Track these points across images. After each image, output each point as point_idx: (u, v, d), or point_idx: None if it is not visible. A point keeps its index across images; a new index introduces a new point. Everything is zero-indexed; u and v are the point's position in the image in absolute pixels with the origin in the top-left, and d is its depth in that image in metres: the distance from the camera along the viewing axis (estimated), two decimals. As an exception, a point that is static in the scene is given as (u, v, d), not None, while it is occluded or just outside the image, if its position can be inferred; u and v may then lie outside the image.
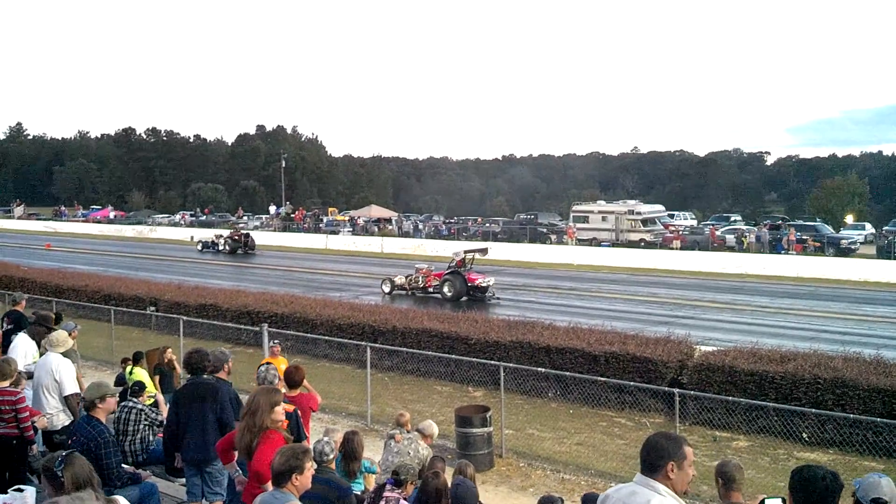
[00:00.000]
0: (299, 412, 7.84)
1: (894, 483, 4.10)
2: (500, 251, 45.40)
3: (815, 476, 3.54)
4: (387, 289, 30.06)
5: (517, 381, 14.88)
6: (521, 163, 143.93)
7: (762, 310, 26.17)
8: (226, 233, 52.97)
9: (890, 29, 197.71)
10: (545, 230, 54.31)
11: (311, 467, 4.97)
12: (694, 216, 66.10)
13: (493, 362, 14.30)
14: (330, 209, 79.92)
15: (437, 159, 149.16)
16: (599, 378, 13.94)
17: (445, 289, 28.83)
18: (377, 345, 16.49)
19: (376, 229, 61.09)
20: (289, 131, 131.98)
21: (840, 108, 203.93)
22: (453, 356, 15.92)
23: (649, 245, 46.36)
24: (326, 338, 18.13)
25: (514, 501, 10.32)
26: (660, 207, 56.63)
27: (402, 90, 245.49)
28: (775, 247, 42.40)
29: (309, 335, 18.36)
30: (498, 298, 28.64)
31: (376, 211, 70.05)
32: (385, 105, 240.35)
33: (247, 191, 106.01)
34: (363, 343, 15.55)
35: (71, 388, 8.85)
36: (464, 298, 28.54)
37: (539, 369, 14.57)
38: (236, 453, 6.02)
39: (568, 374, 14.37)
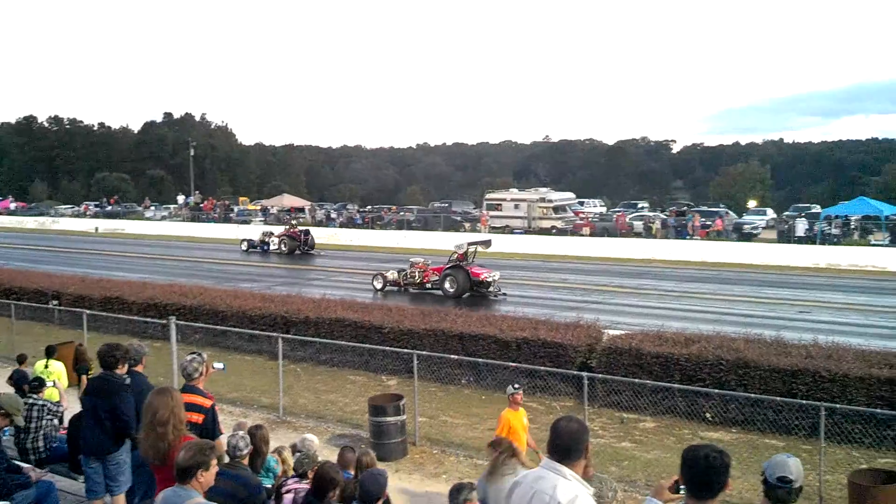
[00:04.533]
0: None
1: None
2: (415, 240, 45.49)
3: (696, 455, 3.65)
4: (378, 285, 27.80)
5: (431, 369, 14.94)
6: (435, 151, 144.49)
7: (668, 294, 26.87)
8: (278, 230, 45.75)
9: (790, 21, 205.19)
10: (459, 218, 54.61)
11: (216, 463, 4.89)
12: (603, 203, 67.45)
13: (406, 350, 14.32)
14: (241, 198, 78.69)
15: (350, 147, 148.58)
16: (511, 364, 14.11)
17: (447, 285, 26.50)
18: (289, 335, 16.33)
19: (288, 218, 60.31)
20: (197, 119, 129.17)
21: (744, 98, 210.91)
22: (367, 345, 15.90)
23: (560, 232, 47.08)
24: (237, 329, 17.84)
25: (428, 488, 10.38)
26: (570, 195, 57.59)
27: (315, 77, 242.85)
28: (681, 233, 43.65)
29: (219, 327, 18.03)
30: (504, 294, 26.42)
31: (289, 200, 69.24)
32: (297, 92, 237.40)
33: (154, 180, 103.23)
34: (275, 334, 15.38)
35: None
36: (465, 294, 26.47)
37: (452, 356, 14.66)
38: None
39: (481, 360, 14.51)
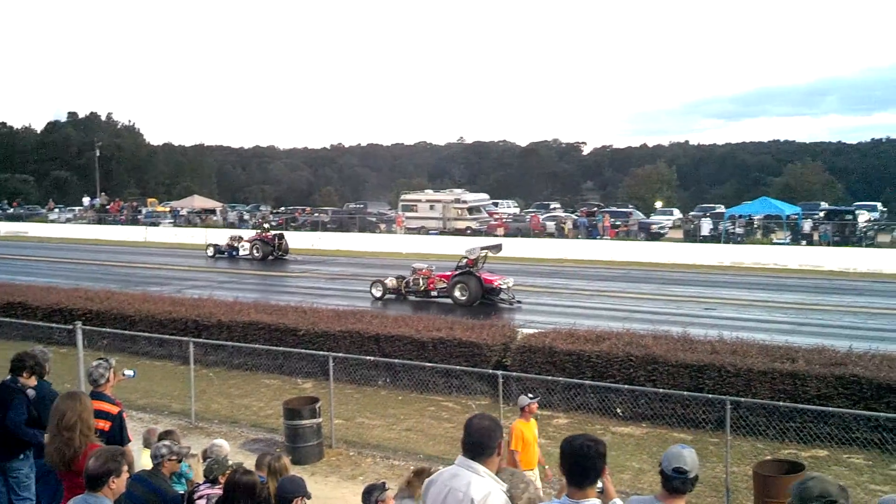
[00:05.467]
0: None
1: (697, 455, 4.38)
2: (329, 241, 45.23)
3: (572, 445, 3.80)
4: (377, 293, 25.84)
5: (347, 371, 14.90)
6: (350, 152, 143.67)
7: (579, 292, 27.39)
8: (248, 234, 42.79)
9: (694, 28, 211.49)
10: (374, 219, 54.61)
11: (127, 470, 4.81)
12: (517, 204, 68.35)
13: (322, 353, 14.22)
14: (149, 200, 76.83)
15: (263, 148, 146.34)
16: (427, 364, 14.20)
17: (458, 293, 24.61)
18: (201, 340, 16.01)
19: (199, 220, 59.26)
20: (103, 118, 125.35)
21: (651, 101, 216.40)
22: (281, 348, 15.72)
23: (475, 233, 47.53)
24: (146, 334, 17.41)
25: (344, 490, 10.35)
26: (485, 196, 58.24)
27: (227, 76, 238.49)
28: (591, 232, 44.57)
29: (127, 332, 17.52)
30: (519, 302, 24.63)
31: (199, 201, 68.09)
32: (208, 91, 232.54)
33: (58, 182, 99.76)
34: (186, 338, 15.09)
35: None
36: (475, 302, 24.71)
37: (368, 358, 14.68)
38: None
39: (397, 361, 14.54)
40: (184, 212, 62.61)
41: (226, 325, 17.37)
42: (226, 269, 36.45)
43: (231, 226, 56.27)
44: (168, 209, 65.99)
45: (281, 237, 40.67)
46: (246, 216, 59.97)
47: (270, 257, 39.29)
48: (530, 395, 8.98)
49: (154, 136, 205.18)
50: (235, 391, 15.44)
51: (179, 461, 6.58)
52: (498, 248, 26.77)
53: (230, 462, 6.75)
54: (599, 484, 3.90)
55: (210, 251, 41.38)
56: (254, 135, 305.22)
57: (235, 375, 16.45)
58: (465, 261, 25.08)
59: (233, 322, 17.38)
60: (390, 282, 25.98)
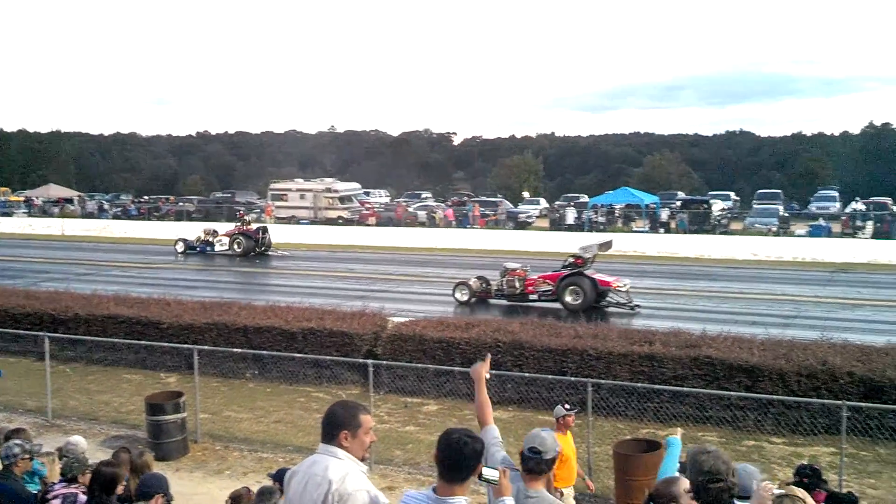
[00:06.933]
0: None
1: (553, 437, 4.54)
2: (197, 231, 44.01)
3: (450, 439, 3.84)
4: (463, 297, 22.65)
5: (213, 364, 14.61)
6: (216, 140, 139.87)
7: (450, 281, 27.62)
8: (224, 228, 38.52)
9: (559, 24, 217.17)
10: (242, 209, 53.53)
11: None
12: (388, 193, 68.46)
13: (186, 346, 13.91)
14: (1, 189, 72.80)
15: (124, 135, 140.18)
16: (297, 354, 14.12)
17: (569, 297, 21.46)
18: (57, 335, 15.35)
19: (56, 210, 56.60)
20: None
21: (519, 94, 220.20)
22: (143, 342, 15.26)
23: (347, 222, 47.43)
24: (-1, 329, 16.55)
25: (209, 486, 10.17)
26: (356, 185, 58.07)
27: (83, 58, 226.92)
28: (462, 222, 45.22)
29: (-22, 329, 16.64)
30: (638, 305, 21.73)
31: (56, 190, 65.18)
32: (65, 75, 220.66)
33: None
34: (41, 333, 14.44)
35: None
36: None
37: (235, 350, 14.45)
38: None
39: (265, 352, 14.40)
40: (38, 201, 59.76)
41: (84, 318, 16.73)
42: (205, 267, 32.98)
43: (90, 216, 53.96)
44: (22, 199, 62.84)
45: (265, 230, 36.86)
46: (106, 206, 57.68)
47: (252, 253, 35.52)
48: (567, 407, 8.27)
49: (7, 122, 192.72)
50: (95, 387, 14.90)
51: (31, 459, 6.32)
52: (608, 245, 24.30)
53: (90, 461, 6.54)
54: (495, 474, 3.94)
55: (179, 247, 36.85)
56: (114, 121, 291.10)
57: (95, 371, 15.89)
58: (570, 260, 22.15)
59: (91, 316, 16.76)
60: (473, 282, 23.12)
